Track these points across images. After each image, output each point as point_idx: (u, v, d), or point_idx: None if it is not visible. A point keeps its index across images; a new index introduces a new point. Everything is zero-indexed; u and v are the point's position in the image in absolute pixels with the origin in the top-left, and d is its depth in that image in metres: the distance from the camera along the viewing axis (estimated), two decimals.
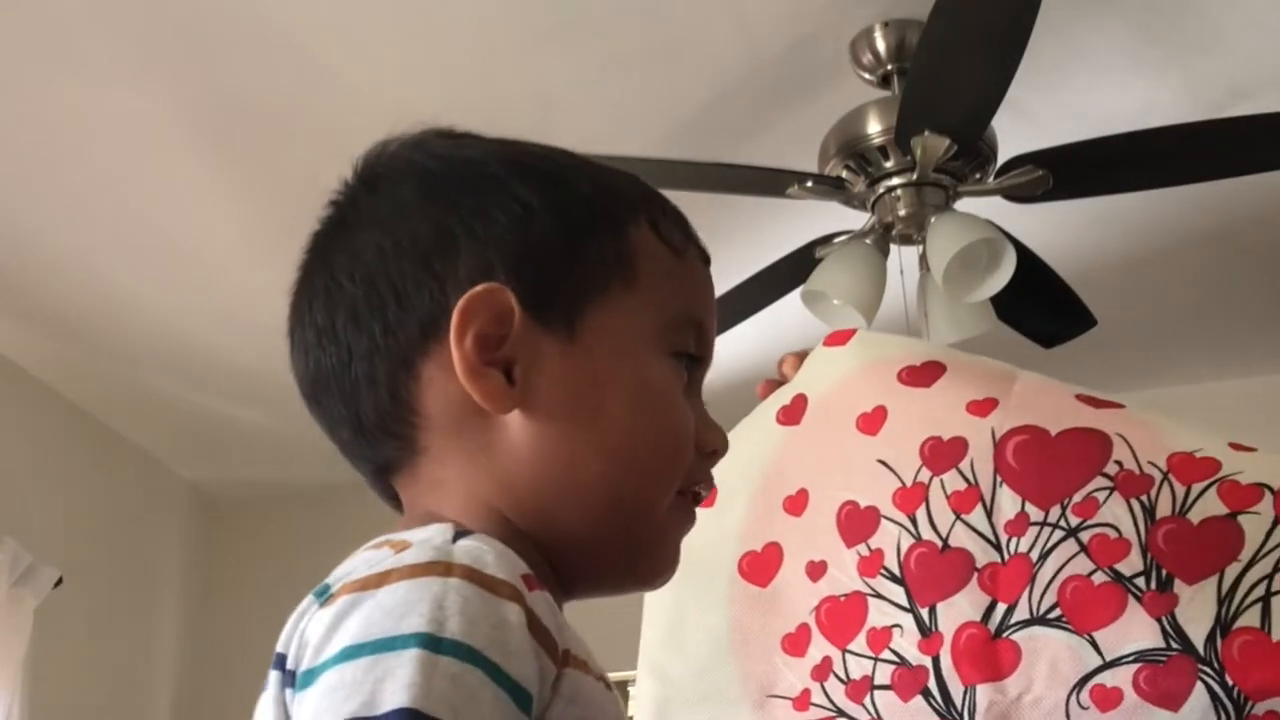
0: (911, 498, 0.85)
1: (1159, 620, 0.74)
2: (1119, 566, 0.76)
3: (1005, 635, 0.77)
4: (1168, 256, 3.16)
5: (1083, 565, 0.77)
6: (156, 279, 3.01)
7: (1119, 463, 0.80)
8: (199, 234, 2.76)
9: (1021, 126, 2.42)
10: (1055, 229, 2.79)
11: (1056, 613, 0.76)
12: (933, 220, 2.22)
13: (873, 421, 0.90)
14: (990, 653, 0.78)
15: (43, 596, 3.19)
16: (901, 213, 2.26)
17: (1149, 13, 2.32)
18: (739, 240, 2.89)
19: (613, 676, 0.65)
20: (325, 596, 0.58)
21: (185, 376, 3.48)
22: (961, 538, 0.81)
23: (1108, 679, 0.74)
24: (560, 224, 0.69)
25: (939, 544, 0.82)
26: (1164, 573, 0.75)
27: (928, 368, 0.91)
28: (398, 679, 0.51)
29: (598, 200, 0.70)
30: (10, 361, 3.33)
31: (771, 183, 2.31)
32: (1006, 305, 2.40)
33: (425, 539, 0.58)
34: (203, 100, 2.38)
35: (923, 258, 2.31)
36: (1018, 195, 2.28)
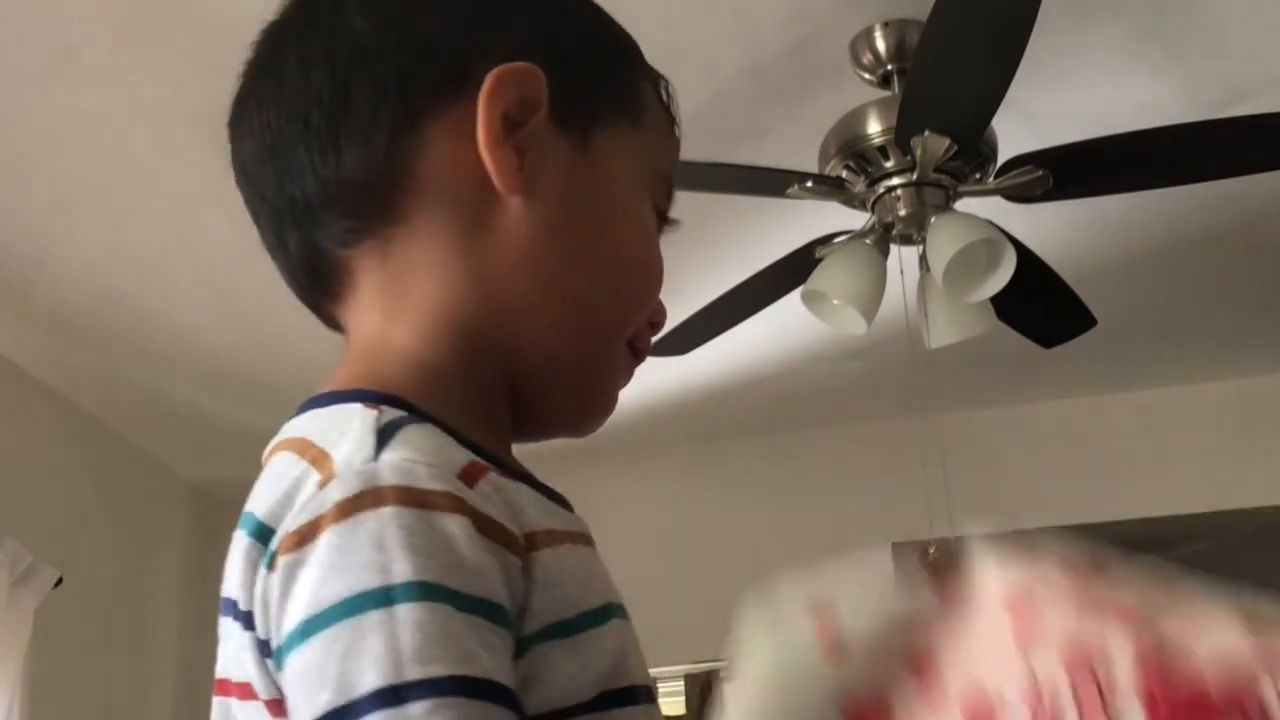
0: (1038, 695, 0.85)
1: None
2: None
3: None
4: (1168, 256, 3.16)
5: None
6: (157, 279, 3.01)
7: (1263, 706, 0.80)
8: (199, 234, 2.76)
9: (1021, 126, 2.42)
10: (1055, 229, 2.79)
11: None
12: (933, 220, 2.22)
13: (1019, 606, 0.90)
14: None
15: (43, 596, 3.19)
16: (901, 213, 2.26)
17: (1149, 13, 2.32)
18: (739, 240, 2.89)
19: None
20: (259, 539, 0.55)
21: (185, 376, 3.48)
22: None
23: None
24: (596, 44, 0.69)
25: None
26: None
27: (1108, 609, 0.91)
28: (365, 655, 0.49)
29: (625, 41, 0.72)
30: (10, 361, 3.33)
31: (771, 183, 2.31)
32: (1006, 305, 2.40)
33: (345, 460, 0.54)
34: (203, 100, 2.38)
35: (923, 258, 2.31)
36: (1018, 195, 2.28)
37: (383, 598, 0.50)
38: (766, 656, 0.93)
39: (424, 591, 0.50)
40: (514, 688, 0.51)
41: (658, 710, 0.60)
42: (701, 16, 2.26)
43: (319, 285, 0.67)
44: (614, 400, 0.71)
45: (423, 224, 0.64)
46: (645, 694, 0.58)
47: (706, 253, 2.92)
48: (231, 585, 0.57)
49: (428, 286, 0.64)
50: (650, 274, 0.70)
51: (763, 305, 2.62)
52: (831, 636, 0.90)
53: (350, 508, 0.52)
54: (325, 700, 0.49)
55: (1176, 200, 2.65)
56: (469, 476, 0.54)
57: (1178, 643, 0.82)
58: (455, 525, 0.52)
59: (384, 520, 0.51)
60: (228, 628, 0.57)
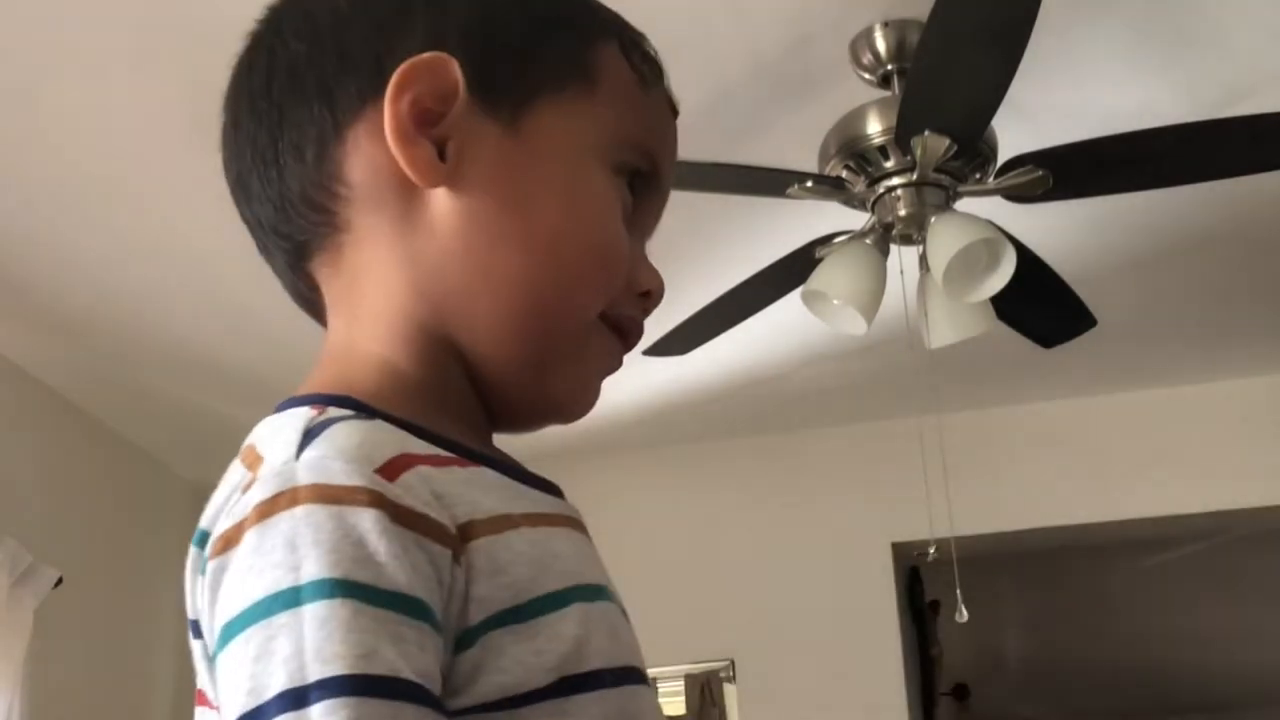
0: None
1: None
2: None
3: None
4: (1168, 256, 3.16)
5: None
6: (157, 279, 3.01)
7: None
8: (199, 234, 2.76)
9: (1021, 126, 2.42)
10: (1055, 229, 2.79)
11: None
12: (933, 220, 2.22)
13: None
14: None
15: (43, 596, 3.19)
16: (901, 213, 2.26)
17: (1149, 13, 2.32)
18: (739, 240, 2.89)
19: None
20: (202, 548, 0.56)
21: (185, 376, 3.48)
22: None
23: None
24: (523, 20, 0.67)
25: None
26: None
27: None
28: (274, 656, 0.49)
29: (564, 10, 0.70)
30: (10, 361, 3.33)
31: (771, 183, 2.31)
32: (1006, 305, 2.40)
33: (269, 463, 0.56)
34: (204, 100, 2.38)
35: (923, 258, 2.31)
36: (1018, 195, 2.28)
37: (291, 598, 0.50)
38: None
39: (330, 589, 0.50)
40: (424, 680, 0.50)
41: (645, 693, 0.59)
42: (702, 16, 2.26)
43: (304, 299, 0.70)
44: (588, 383, 0.69)
45: (363, 228, 0.65)
46: (616, 676, 0.57)
47: (706, 253, 2.92)
48: (186, 598, 0.58)
49: (375, 289, 0.65)
50: (603, 248, 0.67)
51: (763, 305, 2.62)
52: None
53: (267, 509, 0.53)
54: (240, 703, 0.50)
55: (1176, 200, 2.65)
56: (391, 469, 0.54)
57: None
58: (367, 519, 0.52)
59: (296, 519, 0.52)
60: (192, 642, 0.59)
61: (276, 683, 0.49)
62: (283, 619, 0.50)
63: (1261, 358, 3.81)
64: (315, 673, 0.49)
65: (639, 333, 0.71)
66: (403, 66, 0.63)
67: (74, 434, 3.61)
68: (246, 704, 0.50)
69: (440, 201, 0.64)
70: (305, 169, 0.65)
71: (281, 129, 0.65)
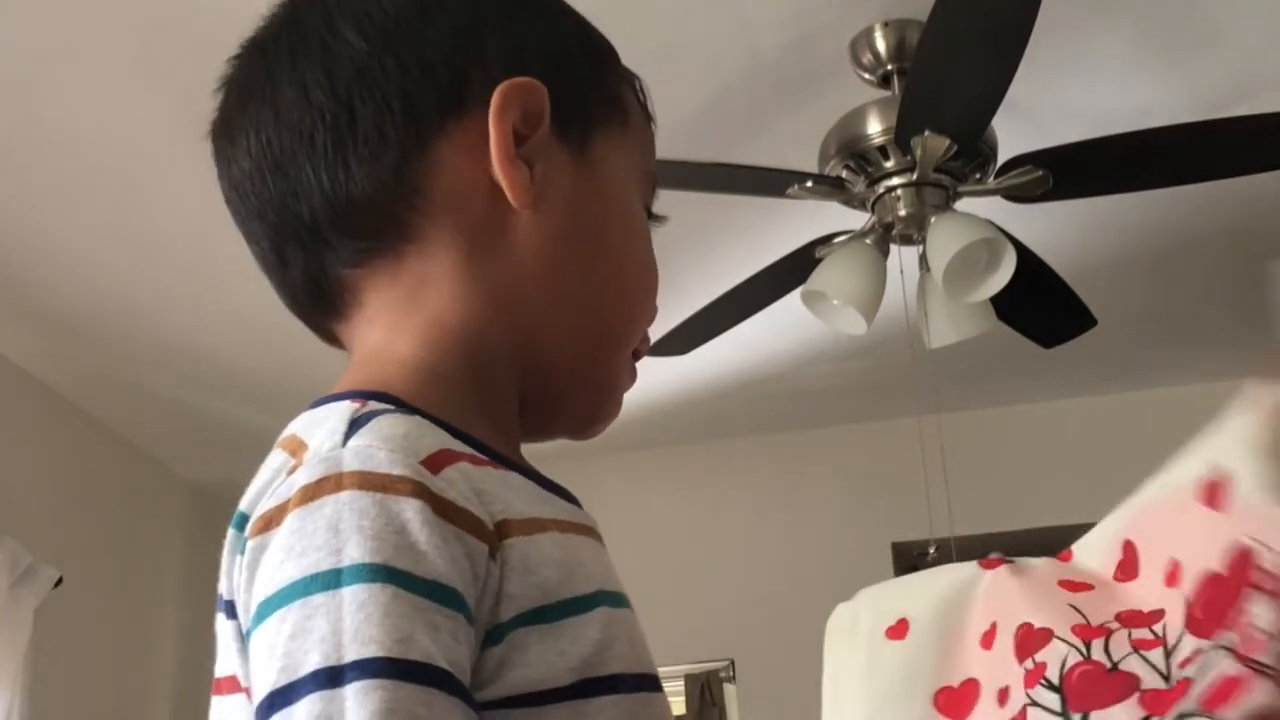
0: (1092, 632, 0.86)
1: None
2: (1259, 656, 0.77)
3: None
4: (1168, 256, 3.16)
5: (1230, 667, 0.78)
6: (157, 279, 3.01)
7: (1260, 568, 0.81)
8: (199, 234, 2.76)
9: (1021, 126, 2.42)
10: (1055, 229, 2.79)
11: (1194, 705, 0.78)
12: (933, 220, 2.22)
13: (1076, 586, 0.92)
14: None
15: (43, 596, 3.19)
16: (901, 213, 2.26)
17: (1149, 13, 2.32)
18: (739, 240, 2.89)
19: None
20: (241, 529, 0.57)
21: (185, 376, 3.49)
22: (1133, 665, 0.82)
23: None
24: (581, 50, 0.70)
25: (1107, 665, 0.83)
26: None
27: (1127, 564, 0.93)
28: (310, 635, 0.50)
29: (605, 44, 0.73)
30: (10, 361, 3.33)
31: (771, 183, 2.31)
32: (1006, 305, 2.40)
33: (315, 448, 0.56)
34: (204, 100, 2.38)
35: (923, 258, 2.31)
36: (1018, 195, 2.28)
37: (332, 579, 0.51)
38: (853, 663, 0.96)
39: (371, 573, 0.51)
40: (455, 669, 0.51)
41: (659, 700, 0.60)
42: (701, 16, 2.26)
43: (322, 304, 0.68)
44: (620, 403, 0.72)
45: (435, 240, 0.65)
46: (633, 682, 0.58)
47: (706, 253, 2.92)
48: (221, 579, 0.58)
49: (441, 301, 0.65)
50: (651, 276, 0.71)
51: (763, 305, 2.62)
52: (902, 628, 0.93)
53: (312, 492, 0.53)
54: (272, 680, 0.50)
55: (1176, 200, 2.65)
56: (434, 463, 0.55)
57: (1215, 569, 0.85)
58: (410, 509, 0.53)
59: (340, 504, 0.52)
60: (219, 624, 0.58)
61: (311, 661, 0.49)
62: (321, 599, 0.51)
63: (1261, 359, 3.80)
64: (351, 654, 0.49)
65: (645, 354, 0.74)
66: (503, 88, 0.64)
67: (74, 434, 3.61)
68: (279, 680, 0.50)
69: (526, 223, 0.65)
70: (381, 175, 0.64)
71: (352, 130, 0.64)
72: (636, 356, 0.72)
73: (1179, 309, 3.48)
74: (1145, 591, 0.89)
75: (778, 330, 3.24)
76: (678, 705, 4.05)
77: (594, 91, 0.69)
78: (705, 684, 4.08)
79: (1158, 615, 0.86)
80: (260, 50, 0.69)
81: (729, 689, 4.10)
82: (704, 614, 4.10)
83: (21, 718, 3.10)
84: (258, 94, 0.67)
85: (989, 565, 0.98)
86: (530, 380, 0.67)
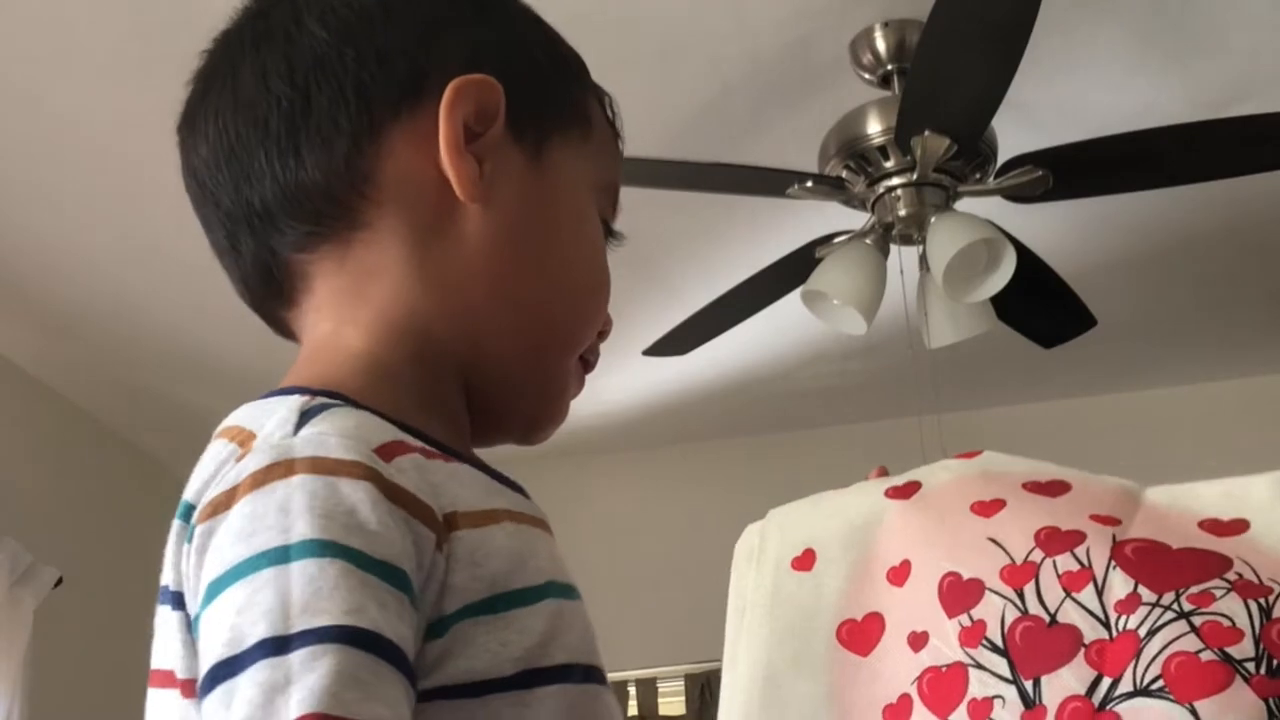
0: (1020, 574, 0.85)
1: (1266, 700, 0.75)
2: (1229, 650, 0.77)
3: (1108, 708, 0.78)
4: (1168, 256, 3.16)
5: (1191, 644, 0.78)
6: (157, 279, 3.01)
7: (1239, 574, 0.82)
8: (199, 234, 2.76)
9: (1021, 126, 2.42)
10: (1055, 229, 2.79)
11: (1160, 684, 0.77)
12: (933, 220, 2.22)
13: (989, 508, 0.92)
14: None
15: (43, 596, 3.19)
16: (901, 213, 2.26)
17: (1149, 13, 2.32)
18: (739, 240, 2.89)
19: (613, 676, 0.64)
20: (187, 520, 0.57)
21: (185, 376, 3.49)
22: (1070, 614, 0.82)
23: None
24: (547, 59, 0.71)
25: (1046, 619, 0.82)
26: (1275, 663, 0.76)
27: (1053, 484, 0.93)
28: (257, 608, 0.50)
29: (573, 57, 0.73)
30: (10, 361, 3.33)
31: (771, 183, 2.31)
32: (1006, 305, 2.40)
33: (265, 436, 0.56)
34: None
35: (923, 258, 2.31)
36: (1018, 195, 2.28)
37: (280, 555, 0.51)
38: (757, 591, 0.96)
39: (320, 549, 0.51)
40: (402, 645, 0.51)
41: (605, 693, 0.60)
42: (701, 16, 2.26)
43: (271, 290, 0.69)
44: (565, 410, 0.72)
45: (383, 229, 0.65)
46: (581, 673, 0.58)
47: (706, 253, 2.92)
48: (165, 570, 0.59)
49: (386, 290, 0.65)
50: (602, 285, 0.71)
51: (763, 305, 2.62)
52: (808, 558, 0.93)
53: (262, 478, 0.54)
54: (217, 653, 0.50)
55: (1176, 200, 2.65)
56: (386, 452, 0.56)
57: (1154, 537, 0.85)
58: (361, 491, 0.53)
59: (291, 487, 0.53)
60: (161, 616, 0.59)
61: (258, 631, 0.49)
62: (269, 574, 0.50)
63: (1261, 358, 3.81)
64: (299, 623, 0.49)
65: (595, 364, 0.74)
66: (456, 83, 0.65)
67: (74, 434, 3.61)
68: (223, 653, 0.50)
69: (473, 217, 0.66)
70: (332, 162, 0.65)
71: (306, 117, 0.65)
72: (587, 368, 0.73)
73: (1179, 309, 3.48)
74: (1061, 509, 0.89)
75: (778, 330, 3.24)
76: (678, 705, 4.05)
77: (555, 99, 0.70)
78: (705, 684, 4.08)
79: (1078, 537, 0.85)
80: (225, 42, 0.70)
81: None
82: (704, 614, 4.08)
83: (21, 718, 3.10)
84: (218, 82, 0.69)
85: (895, 495, 0.97)
86: (473, 378, 0.67)
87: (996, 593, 0.85)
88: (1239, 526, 0.86)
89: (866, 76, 2.39)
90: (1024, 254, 2.30)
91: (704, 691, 4.08)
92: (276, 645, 0.49)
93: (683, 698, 4.07)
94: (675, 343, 2.76)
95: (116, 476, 3.81)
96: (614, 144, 0.74)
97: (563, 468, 3.68)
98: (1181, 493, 0.90)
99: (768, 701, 0.92)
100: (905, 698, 0.86)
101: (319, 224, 0.65)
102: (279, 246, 0.67)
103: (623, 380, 3.47)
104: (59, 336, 3.25)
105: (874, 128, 2.25)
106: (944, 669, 0.85)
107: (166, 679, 0.57)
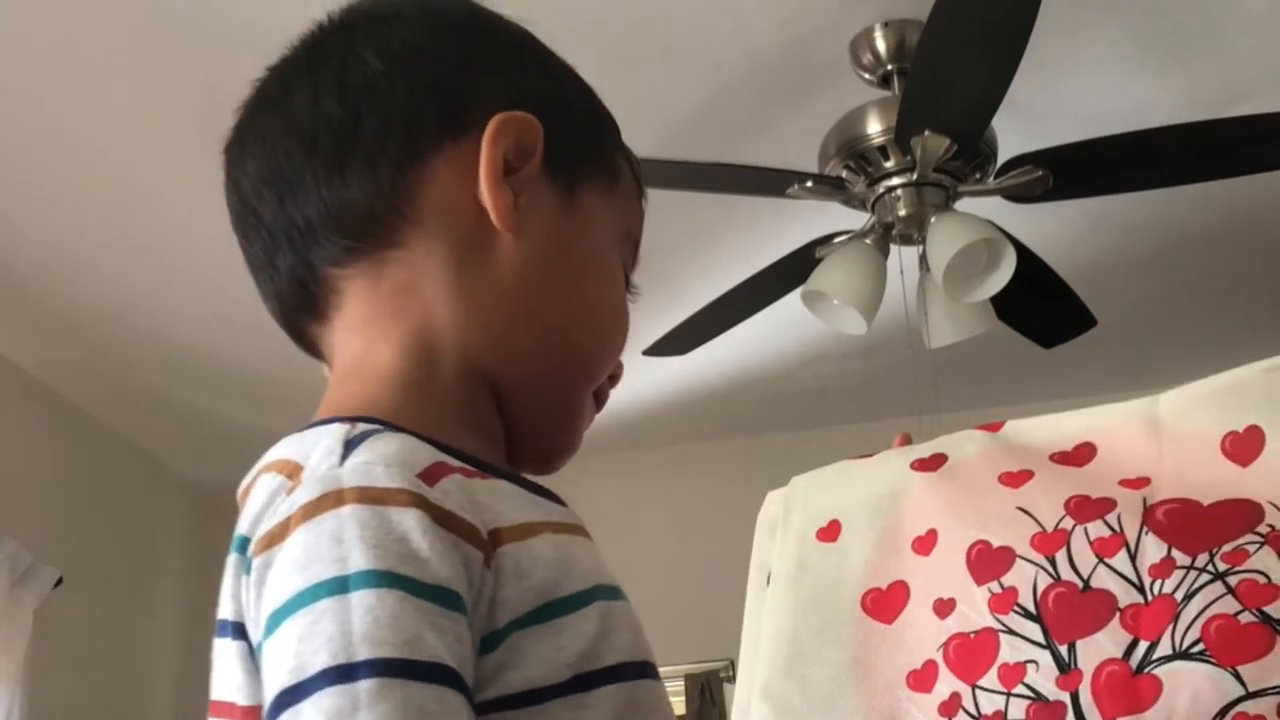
0: (1051, 542, 0.85)
1: None
2: (1268, 609, 0.77)
3: (1146, 671, 0.78)
4: (1168, 256, 3.16)
5: (1229, 605, 0.78)
6: (157, 279, 3.01)
7: (1271, 525, 0.82)
8: (199, 234, 2.76)
9: (1021, 126, 2.42)
10: (1055, 229, 2.79)
11: (1200, 648, 0.77)
12: (933, 220, 2.22)
13: (1016, 479, 0.92)
14: (1131, 688, 0.78)
15: (43, 596, 3.19)
16: (901, 213, 2.26)
17: (1149, 13, 2.32)
18: (739, 240, 2.89)
19: None
20: (243, 552, 0.58)
21: (185, 376, 3.49)
22: (1104, 579, 0.82)
23: (1250, 708, 0.75)
24: (583, 110, 0.75)
25: (1079, 584, 0.83)
26: None
27: (1079, 450, 0.92)
28: (318, 637, 0.52)
29: (606, 114, 0.77)
30: (10, 361, 3.33)
31: (771, 183, 2.31)
32: (1006, 305, 2.40)
33: (312, 468, 0.58)
34: (204, 100, 2.38)
35: (923, 258, 2.31)
36: (1018, 195, 2.28)
37: (338, 585, 0.53)
38: (782, 563, 0.96)
39: (377, 579, 0.53)
40: (461, 669, 0.53)
41: (658, 686, 0.62)
42: (701, 16, 2.26)
43: (305, 304, 0.70)
44: (580, 439, 0.75)
45: (419, 249, 0.68)
46: (634, 670, 0.60)
47: (706, 253, 2.92)
48: (223, 604, 0.60)
49: (418, 310, 0.67)
50: (621, 321, 0.74)
51: (763, 305, 2.62)
52: (833, 530, 0.94)
53: (313, 509, 0.56)
54: (281, 681, 0.52)
55: (1176, 200, 2.65)
56: (430, 475, 0.58)
57: (1186, 495, 0.85)
58: (410, 518, 0.55)
59: (343, 518, 0.55)
60: (220, 648, 0.60)
61: (320, 660, 0.51)
62: (328, 604, 0.52)
63: (1261, 358, 3.80)
64: (363, 653, 0.51)
65: (605, 403, 0.77)
66: (500, 117, 0.68)
67: (74, 434, 3.61)
68: (287, 681, 0.52)
69: (507, 246, 0.68)
70: (377, 183, 0.67)
71: (354, 139, 0.68)
72: (599, 402, 0.75)
73: (1179, 309, 3.48)
74: (1089, 477, 0.89)
75: (778, 330, 3.24)
76: (678, 705, 4.05)
77: (588, 148, 0.73)
78: (705, 684, 4.08)
79: (1108, 504, 0.85)
80: (280, 69, 0.73)
81: (729, 689, 4.10)
82: (704, 614, 4.09)
83: (21, 718, 3.10)
84: (269, 105, 0.72)
85: (922, 467, 0.98)
86: (500, 395, 0.69)
87: (1028, 560, 0.85)
88: (1255, 441, 0.86)
89: (866, 76, 2.39)
90: (1024, 254, 2.30)
91: (704, 691, 4.08)
92: (340, 674, 0.51)
93: (683, 698, 4.07)
94: (675, 343, 2.76)
95: (116, 476, 3.81)
96: (638, 201, 0.78)
97: (562, 469, 3.67)
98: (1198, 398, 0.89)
99: (791, 670, 0.92)
100: (930, 663, 0.86)
101: (358, 240, 0.68)
102: (316, 260, 0.69)
103: (623, 380, 3.47)
104: (59, 337, 3.25)
105: (874, 128, 2.25)
106: (972, 635, 0.85)
107: (228, 710, 0.59)
